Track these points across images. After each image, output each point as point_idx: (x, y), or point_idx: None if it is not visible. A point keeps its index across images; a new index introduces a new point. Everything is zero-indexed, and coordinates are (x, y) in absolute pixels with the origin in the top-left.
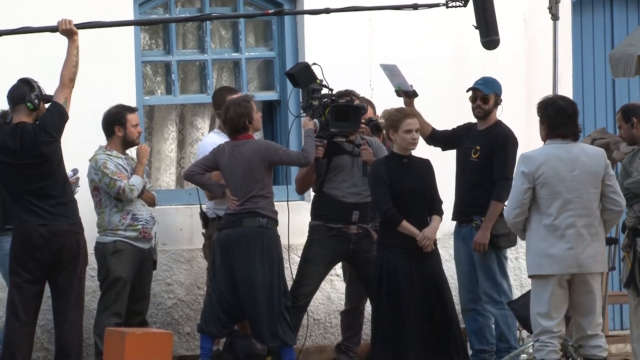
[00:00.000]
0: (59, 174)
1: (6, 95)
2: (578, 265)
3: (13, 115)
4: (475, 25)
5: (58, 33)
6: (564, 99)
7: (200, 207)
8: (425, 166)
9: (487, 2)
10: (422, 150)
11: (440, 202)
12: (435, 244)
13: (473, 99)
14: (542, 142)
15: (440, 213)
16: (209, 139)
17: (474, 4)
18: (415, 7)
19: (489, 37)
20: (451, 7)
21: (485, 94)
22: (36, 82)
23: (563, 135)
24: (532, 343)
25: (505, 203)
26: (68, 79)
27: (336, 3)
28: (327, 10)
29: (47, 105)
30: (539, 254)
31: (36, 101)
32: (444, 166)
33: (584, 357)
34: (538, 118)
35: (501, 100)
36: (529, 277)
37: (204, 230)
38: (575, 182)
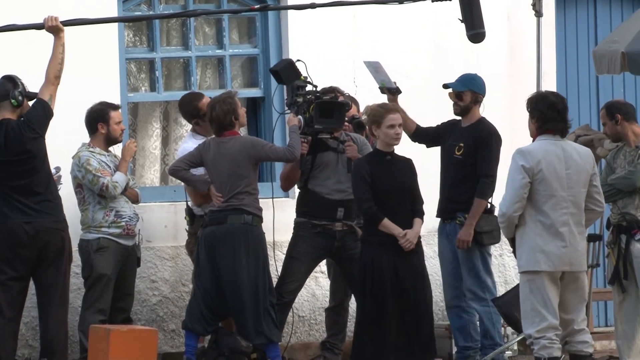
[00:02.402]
0: (44, 170)
1: None
2: (570, 263)
3: None
4: (461, 18)
5: (44, 30)
6: (554, 94)
7: (187, 203)
8: (407, 164)
9: None
10: (406, 147)
11: (422, 202)
12: (419, 241)
13: (451, 96)
14: (529, 138)
15: (421, 215)
16: (188, 145)
17: None
18: (400, 1)
19: (475, 30)
20: (436, 1)
21: (458, 90)
22: (20, 79)
23: (553, 131)
24: (534, 339)
25: (489, 200)
26: (53, 75)
27: None
28: (313, 6)
29: (31, 102)
30: (534, 250)
31: (20, 98)
32: (429, 163)
33: (570, 353)
34: (525, 114)
35: (482, 98)
36: (521, 273)
37: (187, 227)
38: (569, 180)
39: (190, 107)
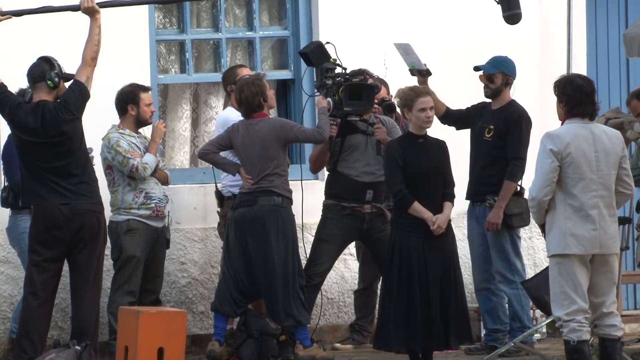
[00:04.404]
0: (80, 152)
1: (26, 73)
2: (600, 246)
3: (33, 94)
4: (497, 0)
5: (79, 12)
6: (581, 77)
7: (216, 186)
8: (440, 147)
9: None
10: (436, 129)
11: (453, 185)
12: (449, 224)
13: (481, 79)
14: (558, 121)
15: (451, 199)
16: (229, 113)
17: None
18: None
19: (511, 10)
20: None
21: (489, 73)
22: (56, 60)
23: (582, 114)
24: (563, 322)
25: (519, 183)
26: (90, 57)
27: None
28: None
29: (67, 84)
30: (564, 233)
31: (56, 79)
32: (458, 146)
33: (599, 336)
34: (555, 97)
35: (512, 80)
36: (551, 256)
37: (219, 209)
38: (599, 162)
39: (228, 73)
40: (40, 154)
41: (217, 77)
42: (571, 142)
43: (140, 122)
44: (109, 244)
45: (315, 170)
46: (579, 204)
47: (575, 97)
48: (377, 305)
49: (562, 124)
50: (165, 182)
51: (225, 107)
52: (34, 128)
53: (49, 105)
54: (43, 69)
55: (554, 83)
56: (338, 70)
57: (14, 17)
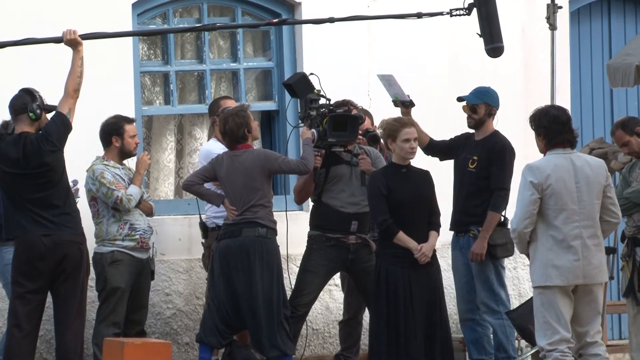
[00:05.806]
0: (62, 183)
1: (8, 105)
2: (584, 276)
3: (15, 125)
4: (479, 33)
5: (62, 44)
6: (555, 107)
7: (200, 217)
8: (424, 177)
9: (491, 10)
10: (420, 160)
11: (438, 215)
12: (434, 254)
13: (465, 109)
14: (540, 153)
15: (437, 228)
16: (212, 145)
17: (478, 12)
18: (419, 15)
19: (493, 44)
20: (455, 15)
21: (473, 104)
22: (38, 92)
23: (562, 144)
24: (546, 352)
25: (503, 213)
26: (72, 89)
27: (338, 12)
28: (332, 20)
29: (49, 115)
30: (546, 265)
31: (38, 111)
32: (442, 176)
33: None
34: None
35: (495, 111)
36: (534, 287)
37: (203, 240)
38: (580, 193)
39: (213, 104)
40: (22, 185)
41: (202, 108)
42: (551, 174)
43: (124, 154)
44: (93, 275)
45: (300, 201)
46: (561, 235)
47: (552, 127)
48: (362, 336)
49: (544, 156)
50: (149, 213)
51: (209, 138)
52: (16, 159)
53: (31, 136)
54: (24, 101)
55: (529, 118)
56: (322, 101)
57: None
